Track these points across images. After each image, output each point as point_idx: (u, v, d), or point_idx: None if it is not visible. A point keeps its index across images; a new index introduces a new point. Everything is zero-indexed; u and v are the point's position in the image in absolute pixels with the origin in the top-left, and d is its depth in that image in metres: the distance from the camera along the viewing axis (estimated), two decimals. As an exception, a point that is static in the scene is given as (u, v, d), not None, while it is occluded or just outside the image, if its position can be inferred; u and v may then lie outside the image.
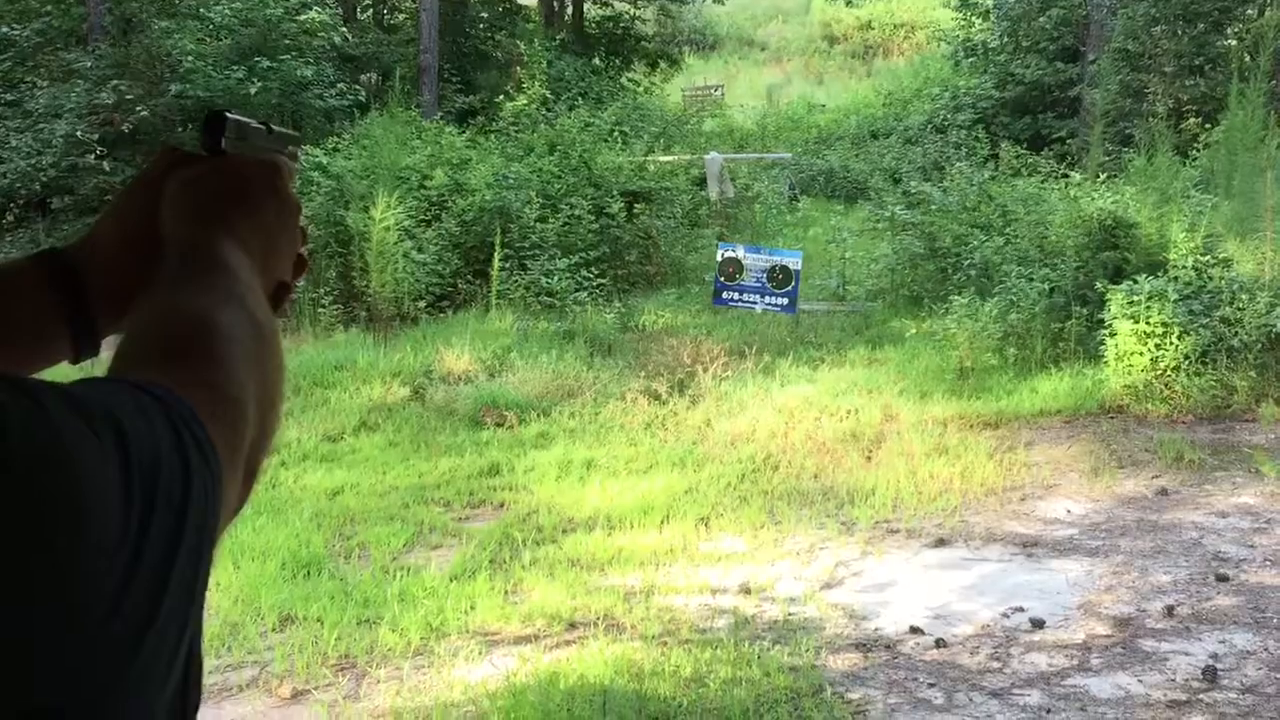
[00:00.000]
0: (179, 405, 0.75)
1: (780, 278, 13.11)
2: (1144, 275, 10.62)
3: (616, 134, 20.43)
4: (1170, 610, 6.27)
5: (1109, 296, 10.56)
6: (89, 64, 19.16)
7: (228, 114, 1.06)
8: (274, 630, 6.24)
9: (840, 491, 8.41)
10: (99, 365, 0.90)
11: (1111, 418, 9.98)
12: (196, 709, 0.75)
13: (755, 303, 13.16)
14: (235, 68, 19.13)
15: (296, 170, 1.12)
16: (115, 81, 18.59)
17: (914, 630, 6.13)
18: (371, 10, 29.28)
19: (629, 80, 29.14)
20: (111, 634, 0.66)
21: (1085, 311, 11.17)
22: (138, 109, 18.40)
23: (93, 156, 18.31)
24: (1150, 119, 17.70)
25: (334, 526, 7.89)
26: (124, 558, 0.67)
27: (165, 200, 1.02)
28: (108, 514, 0.67)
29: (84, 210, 17.88)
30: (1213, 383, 9.98)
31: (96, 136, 18.42)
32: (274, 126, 1.13)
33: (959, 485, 8.42)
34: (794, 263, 13.26)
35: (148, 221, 1.02)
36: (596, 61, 28.78)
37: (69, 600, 0.64)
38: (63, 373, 0.88)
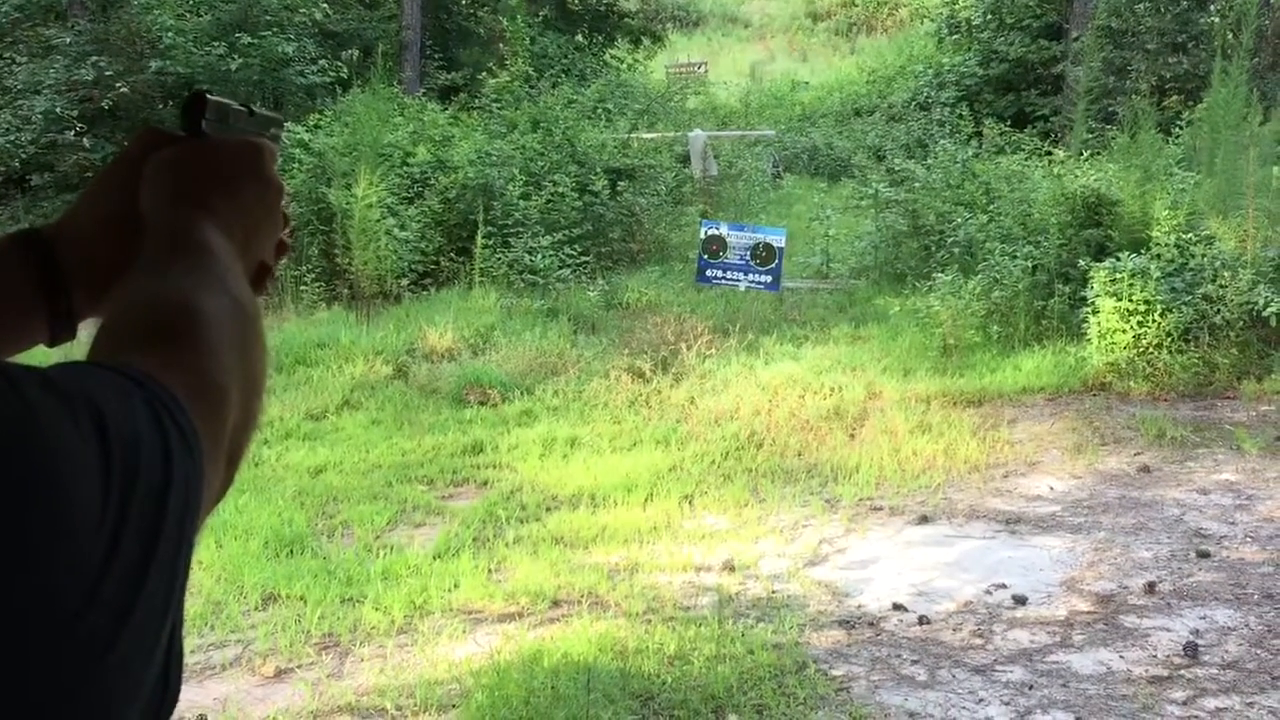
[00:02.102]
0: (160, 390, 0.74)
1: (764, 255, 13.10)
2: (1127, 253, 10.64)
3: (600, 111, 20.36)
4: (1152, 587, 6.30)
5: (1092, 274, 10.59)
6: (68, 40, 19.01)
7: (208, 95, 1.04)
8: (257, 609, 6.23)
9: (824, 469, 8.43)
10: (76, 348, 0.88)
11: (1094, 395, 10.01)
12: (177, 694, 0.74)
13: (739, 280, 13.15)
14: (215, 44, 18.98)
15: (279, 152, 1.11)
16: (95, 58, 18.44)
17: (897, 607, 6.15)
18: (353, -15, 29.08)
19: (612, 57, 29.00)
20: (90, 621, 0.65)
21: (1068, 289, 11.20)
22: (117, 85, 18.27)
23: (72, 133, 18.17)
24: (1133, 96, 17.72)
25: (317, 505, 7.87)
26: (102, 543, 0.66)
27: (145, 181, 1.01)
28: (85, 499, 0.66)
29: (63, 187, 17.75)
30: (1195, 360, 10.02)
31: (76, 113, 18.28)
32: (256, 108, 1.11)
33: (942, 462, 8.44)
34: (778, 240, 13.25)
35: (127, 202, 1.01)
36: (579, 38, 28.65)
37: (44, 587, 0.63)
38: (39, 355, 0.87)
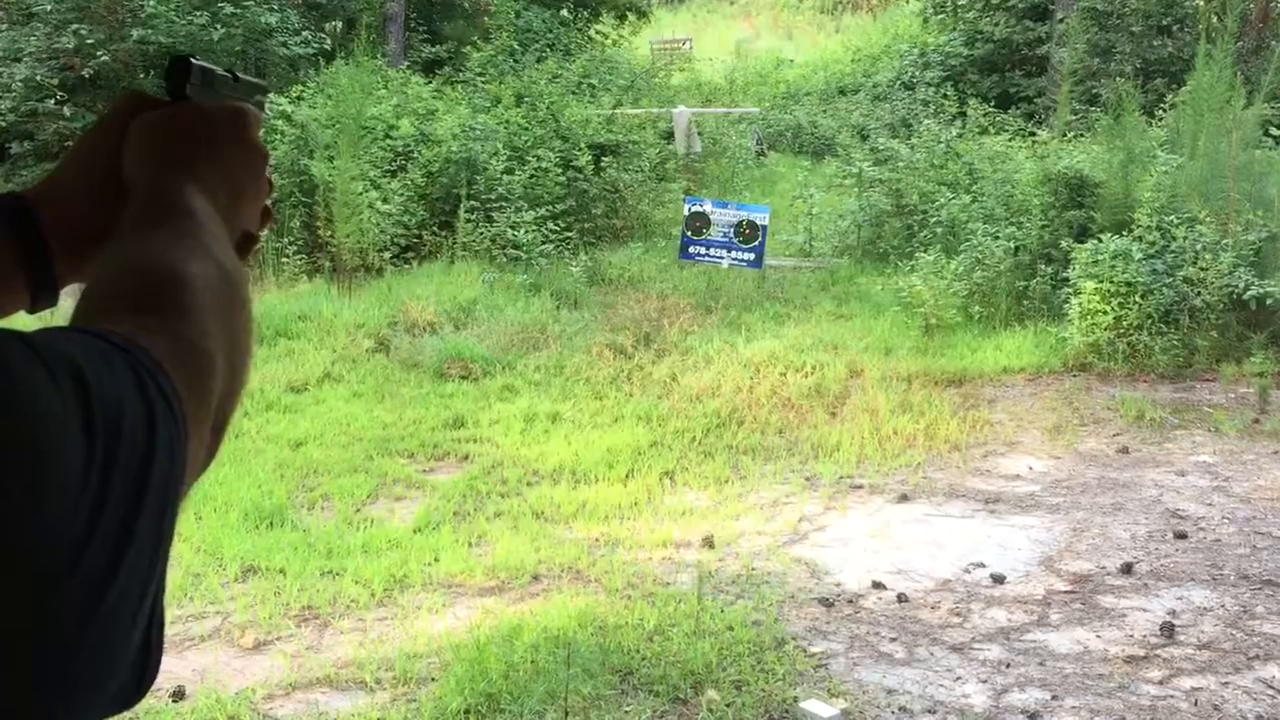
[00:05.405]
0: (144, 356, 0.73)
1: (747, 233, 13.08)
2: (1109, 234, 10.68)
3: (584, 86, 20.27)
4: (1129, 567, 6.34)
5: (1074, 255, 10.62)
6: (49, 7, 18.82)
7: (193, 60, 1.03)
8: (236, 580, 6.22)
9: (804, 447, 8.45)
10: (58, 315, 0.87)
11: (1074, 376, 10.04)
12: (158, 664, 0.73)
13: (722, 258, 13.14)
14: (198, 13, 18.82)
15: (263, 119, 1.09)
16: (75, 25, 18.27)
17: (876, 585, 6.18)
18: (337, -44, 28.84)
19: (597, 32, 28.87)
20: (71, 587, 0.64)
21: (1050, 270, 11.23)
22: (98, 54, 18.11)
23: (53, 101, 18.01)
24: (1117, 79, 17.72)
25: (297, 477, 7.86)
26: (84, 509, 0.65)
27: (128, 145, 0.99)
28: (66, 464, 0.65)
29: (43, 156, 17.61)
30: (1175, 342, 10.06)
31: (56, 81, 18.12)
32: (240, 75, 1.10)
33: (923, 442, 8.47)
34: (761, 218, 13.23)
35: (110, 167, 0.99)
36: (564, 13, 28.51)
37: (25, 551, 0.62)
38: (21, 322, 0.86)
